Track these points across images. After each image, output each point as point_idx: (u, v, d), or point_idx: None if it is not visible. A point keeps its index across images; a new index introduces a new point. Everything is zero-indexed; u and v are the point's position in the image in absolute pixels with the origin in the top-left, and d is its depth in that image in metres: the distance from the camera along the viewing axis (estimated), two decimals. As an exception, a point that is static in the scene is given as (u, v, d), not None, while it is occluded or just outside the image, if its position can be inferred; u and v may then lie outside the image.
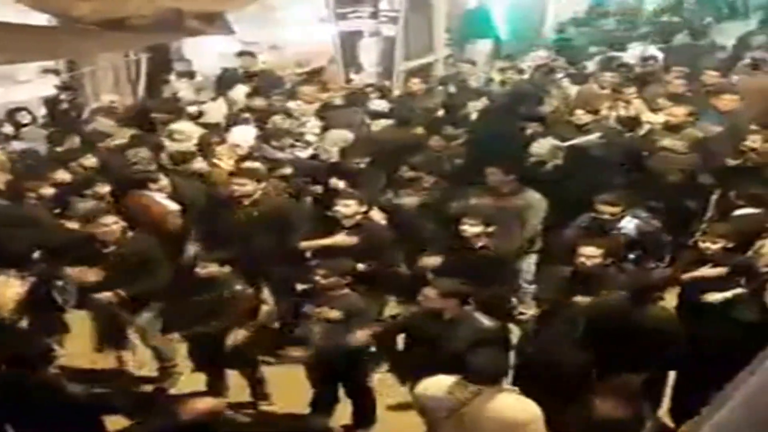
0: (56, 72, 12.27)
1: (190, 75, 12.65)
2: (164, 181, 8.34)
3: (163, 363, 7.62)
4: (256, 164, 8.65)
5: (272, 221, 7.86)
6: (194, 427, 5.09)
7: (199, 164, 8.87)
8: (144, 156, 8.89)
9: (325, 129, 10.13)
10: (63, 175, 8.34)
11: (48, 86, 12.15)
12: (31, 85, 12.16)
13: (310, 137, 10.11)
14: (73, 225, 7.81)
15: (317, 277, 6.54)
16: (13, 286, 6.80)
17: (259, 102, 10.90)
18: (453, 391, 5.02)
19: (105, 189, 8.19)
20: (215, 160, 9.01)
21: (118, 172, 8.74)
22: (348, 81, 12.67)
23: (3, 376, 5.54)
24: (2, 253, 7.08)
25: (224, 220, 7.97)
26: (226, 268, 6.82)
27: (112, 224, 7.27)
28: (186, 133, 9.63)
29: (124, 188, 8.32)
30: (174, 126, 9.89)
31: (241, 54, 12.69)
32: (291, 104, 10.85)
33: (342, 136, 9.71)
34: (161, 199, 8.22)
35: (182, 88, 11.96)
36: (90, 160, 8.80)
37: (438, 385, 5.16)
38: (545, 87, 11.59)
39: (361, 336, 6.31)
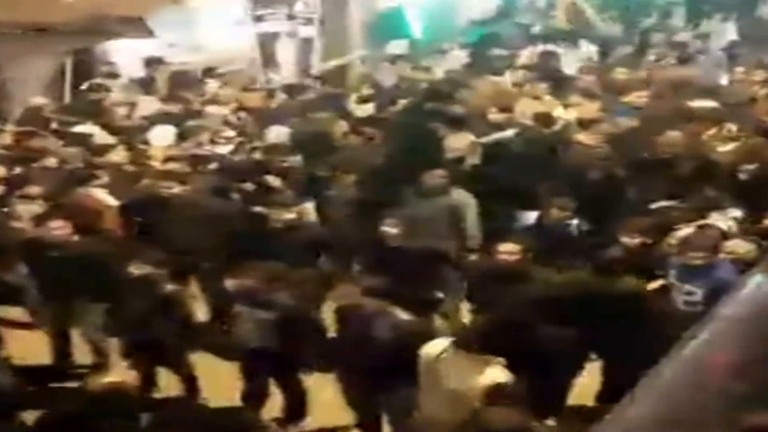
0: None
1: (114, 76, 12.84)
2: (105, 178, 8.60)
3: (100, 358, 7.72)
4: (177, 165, 8.95)
5: (201, 220, 8.08)
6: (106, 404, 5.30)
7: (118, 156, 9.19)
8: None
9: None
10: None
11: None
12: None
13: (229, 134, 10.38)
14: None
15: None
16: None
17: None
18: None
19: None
20: (144, 160, 9.33)
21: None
22: (267, 81, 13.02)
23: None
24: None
25: (155, 220, 8.23)
26: (162, 269, 7.02)
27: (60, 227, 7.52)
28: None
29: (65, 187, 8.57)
30: (78, 128, 10.18)
31: (149, 62, 13.06)
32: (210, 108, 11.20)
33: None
34: (102, 195, 8.45)
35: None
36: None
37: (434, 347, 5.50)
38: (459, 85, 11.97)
39: None
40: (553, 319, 5.95)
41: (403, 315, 6.21)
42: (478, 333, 5.54)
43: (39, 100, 11.61)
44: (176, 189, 8.30)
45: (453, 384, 5.30)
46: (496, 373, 5.19)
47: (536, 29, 16.75)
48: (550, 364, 5.77)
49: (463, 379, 5.25)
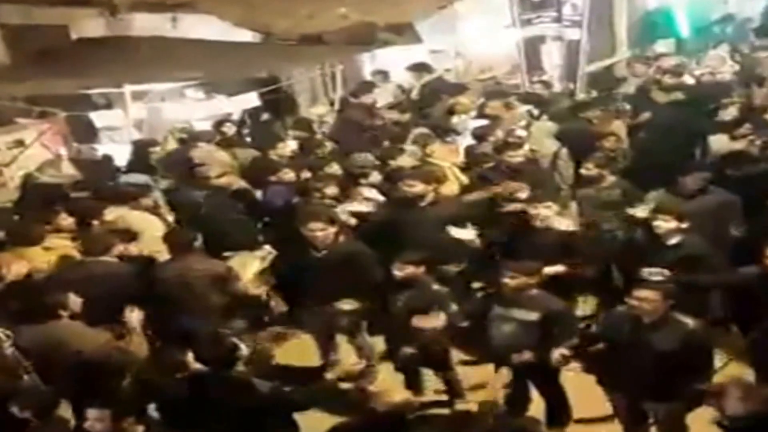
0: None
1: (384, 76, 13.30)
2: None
3: (367, 360, 7.94)
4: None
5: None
6: (390, 422, 5.40)
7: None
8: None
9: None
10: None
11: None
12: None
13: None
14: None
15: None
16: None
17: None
18: None
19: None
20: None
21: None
22: (531, 85, 12.90)
23: (191, 377, 5.94)
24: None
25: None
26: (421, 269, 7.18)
27: None
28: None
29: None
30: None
31: (413, 67, 13.28)
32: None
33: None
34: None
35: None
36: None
37: None
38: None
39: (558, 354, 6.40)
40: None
41: (690, 321, 5.99)
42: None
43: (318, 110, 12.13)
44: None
45: None
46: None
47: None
48: None
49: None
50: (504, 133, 10.08)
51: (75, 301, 6.58)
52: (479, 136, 10.33)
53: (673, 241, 7.15)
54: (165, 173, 10.03)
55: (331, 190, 8.66)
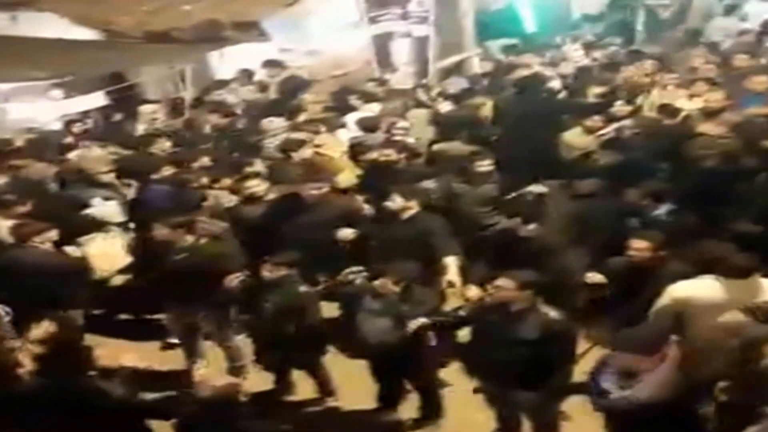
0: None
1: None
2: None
3: (233, 363, 7.77)
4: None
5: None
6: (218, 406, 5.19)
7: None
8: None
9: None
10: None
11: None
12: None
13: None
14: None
15: None
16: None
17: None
18: None
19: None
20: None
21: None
22: (383, 82, 12.92)
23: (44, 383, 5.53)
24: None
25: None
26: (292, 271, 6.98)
27: None
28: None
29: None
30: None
31: (267, 63, 13.17)
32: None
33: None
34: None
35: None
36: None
37: None
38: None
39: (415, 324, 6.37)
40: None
41: (552, 312, 5.99)
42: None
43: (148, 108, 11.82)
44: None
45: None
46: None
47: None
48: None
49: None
50: (387, 125, 10.15)
51: None
52: (368, 127, 10.32)
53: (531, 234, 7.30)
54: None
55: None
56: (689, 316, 5.85)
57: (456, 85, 12.43)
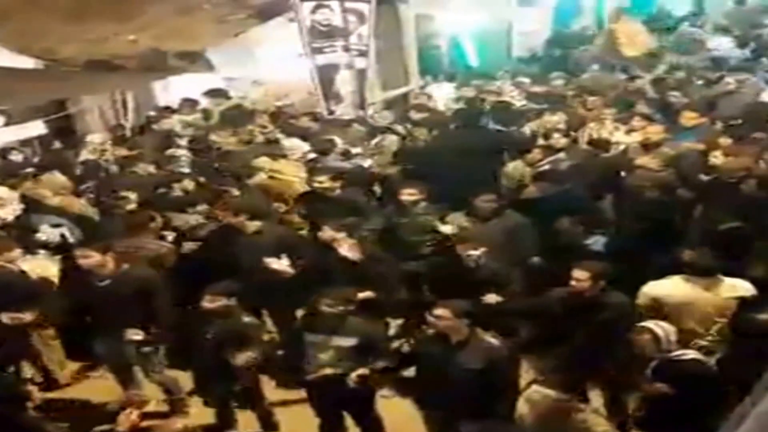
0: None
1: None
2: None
3: (171, 396, 7.64)
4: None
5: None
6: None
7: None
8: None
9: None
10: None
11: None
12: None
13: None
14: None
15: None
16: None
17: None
18: None
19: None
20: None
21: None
22: (330, 112, 12.97)
23: None
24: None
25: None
26: (232, 301, 6.82)
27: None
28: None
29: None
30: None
31: (210, 92, 13.15)
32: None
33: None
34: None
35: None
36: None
37: None
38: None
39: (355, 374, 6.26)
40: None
41: (493, 340, 6.03)
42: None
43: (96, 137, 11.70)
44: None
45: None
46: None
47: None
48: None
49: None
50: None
51: None
52: (321, 151, 10.42)
53: (473, 264, 7.33)
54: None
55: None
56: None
57: (386, 118, 12.53)
